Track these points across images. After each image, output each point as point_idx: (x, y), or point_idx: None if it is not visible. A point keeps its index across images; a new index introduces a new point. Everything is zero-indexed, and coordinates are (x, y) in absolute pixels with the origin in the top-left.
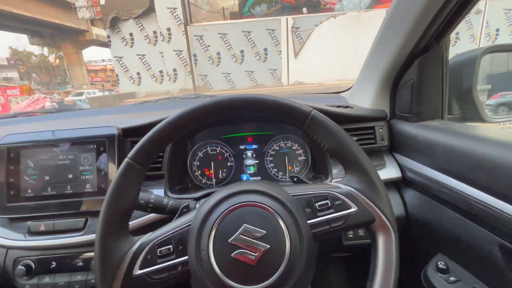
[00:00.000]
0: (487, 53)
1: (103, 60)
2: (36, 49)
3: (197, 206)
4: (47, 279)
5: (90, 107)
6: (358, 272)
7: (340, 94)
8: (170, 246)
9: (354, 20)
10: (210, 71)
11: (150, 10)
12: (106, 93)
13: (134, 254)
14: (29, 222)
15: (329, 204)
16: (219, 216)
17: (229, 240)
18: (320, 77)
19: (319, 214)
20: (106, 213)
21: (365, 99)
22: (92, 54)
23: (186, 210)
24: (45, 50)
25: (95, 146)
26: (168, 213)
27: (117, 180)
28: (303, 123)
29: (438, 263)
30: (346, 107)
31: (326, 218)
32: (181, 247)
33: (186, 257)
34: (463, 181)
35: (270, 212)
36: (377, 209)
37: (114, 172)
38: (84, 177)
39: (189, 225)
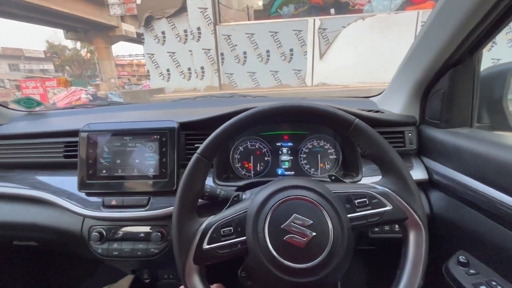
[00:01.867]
0: None
1: (130, 55)
2: (70, 43)
3: (244, 196)
4: (115, 245)
5: (123, 100)
6: (381, 265)
7: (370, 98)
8: (231, 228)
9: (383, 22)
10: (236, 69)
11: (182, 9)
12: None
13: (203, 233)
14: (103, 198)
15: (367, 202)
16: (273, 206)
17: (281, 226)
18: (345, 79)
19: (357, 210)
20: (180, 199)
21: (396, 105)
22: (119, 49)
23: (236, 199)
24: (78, 44)
25: (158, 137)
26: (220, 202)
27: (189, 172)
28: (347, 129)
29: (460, 257)
30: (377, 111)
31: (364, 214)
32: (239, 229)
33: (244, 237)
34: (489, 184)
35: (317, 205)
36: (410, 208)
37: (173, 159)
38: (148, 162)
39: (246, 211)
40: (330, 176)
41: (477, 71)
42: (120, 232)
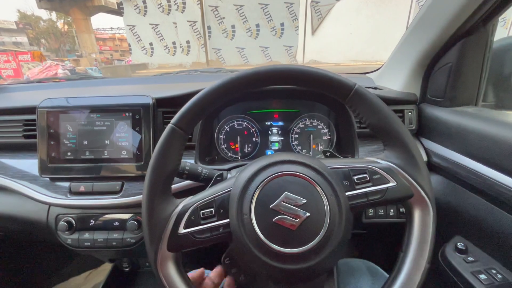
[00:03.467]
0: None
1: (111, 28)
2: (44, 14)
3: (229, 175)
4: (86, 235)
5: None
6: (371, 249)
7: (367, 75)
8: (212, 209)
9: None
10: (224, 45)
11: None
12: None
13: (179, 215)
14: (69, 183)
15: (368, 178)
16: (260, 183)
17: (270, 206)
18: (337, 56)
19: (357, 187)
20: (152, 176)
21: (395, 82)
22: (100, 22)
23: (220, 178)
24: (54, 15)
25: (130, 114)
26: (202, 181)
27: (162, 144)
28: (345, 96)
29: (458, 244)
30: (375, 88)
31: (364, 191)
32: (222, 210)
33: (227, 220)
34: (496, 168)
35: (311, 182)
36: (416, 184)
37: (148, 140)
38: (120, 144)
39: (229, 190)
40: (325, 153)
41: (489, 43)
42: (91, 221)
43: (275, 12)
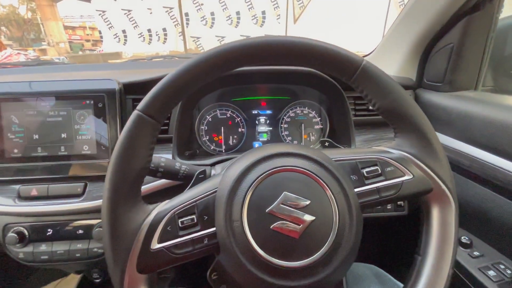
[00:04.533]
0: None
1: (81, 16)
2: None
3: (213, 172)
4: (43, 247)
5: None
6: (368, 243)
7: None
8: (194, 216)
9: None
10: (203, 33)
11: None
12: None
13: (151, 226)
14: (18, 186)
15: (379, 171)
16: (253, 182)
17: (267, 210)
18: None
19: (367, 182)
20: (115, 176)
21: (389, 66)
22: (68, 9)
23: (202, 176)
24: (14, 0)
25: (92, 102)
26: (181, 180)
27: (126, 137)
28: (351, 75)
29: (462, 237)
30: None
31: (376, 187)
32: (206, 217)
33: (213, 229)
34: (503, 156)
35: (314, 178)
36: (436, 177)
37: (115, 132)
38: (80, 137)
39: (215, 192)
40: (323, 142)
41: (495, 20)
42: (49, 230)
43: (256, 0)
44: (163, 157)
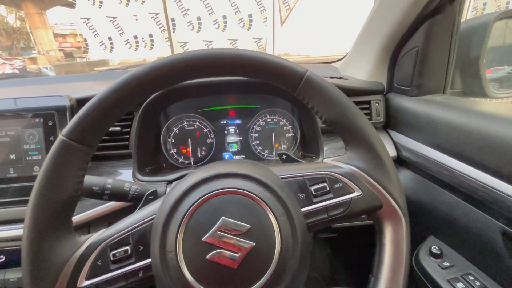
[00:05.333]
0: (500, 18)
1: (71, 23)
2: None
3: (168, 190)
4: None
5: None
6: (342, 252)
7: (332, 64)
8: (128, 247)
9: None
10: (190, 38)
11: None
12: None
13: (79, 260)
14: None
15: (327, 188)
16: (190, 208)
17: (203, 239)
18: (307, 48)
19: (315, 200)
20: (36, 208)
21: (360, 70)
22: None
23: (152, 197)
24: (2, 10)
25: (41, 120)
26: (132, 201)
27: (48, 164)
28: (295, 86)
29: (432, 247)
30: (340, 78)
31: (324, 205)
32: (142, 247)
33: (149, 260)
34: (468, 162)
35: (255, 200)
36: (385, 192)
37: None
38: (30, 158)
39: (153, 219)
40: (280, 155)
41: (457, 22)
42: (1, 257)
43: (242, 3)
44: (109, 178)
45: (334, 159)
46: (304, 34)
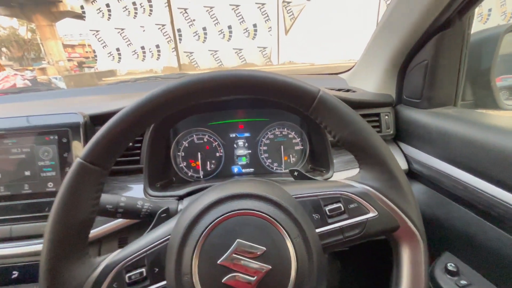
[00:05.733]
0: (510, 31)
1: (80, 34)
2: (4, 21)
3: (180, 207)
4: None
5: (66, 87)
6: (352, 266)
7: (339, 75)
8: (143, 270)
9: None
10: (196, 48)
11: None
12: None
13: (96, 283)
14: None
15: (342, 208)
16: (205, 230)
17: (218, 262)
18: (312, 57)
19: (330, 220)
20: (55, 231)
21: (368, 82)
22: (68, 28)
23: (165, 215)
24: (15, 22)
25: (56, 137)
26: (144, 219)
27: (67, 187)
28: (308, 106)
29: (448, 264)
30: (348, 90)
31: (339, 226)
32: (157, 269)
33: (164, 283)
34: (484, 178)
35: (270, 222)
36: (401, 213)
37: None
38: (45, 174)
39: (168, 239)
40: (292, 172)
41: (467, 36)
42: (14, 273)
43: (247, 13)
44: (124, 196)
45: (348, 178)
46: (308, 42)
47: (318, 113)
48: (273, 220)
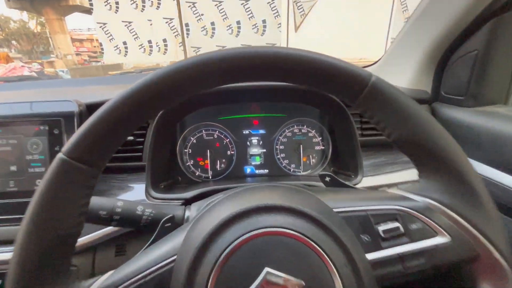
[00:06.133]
0: None
1: (88, 29)
2: (14, 14)
3: (188, 214)
4: None
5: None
6: None
7: (364, 69)
8: None
9: None
10: (204, 43)
11: None
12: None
13: None
14: None
15: (401, 229)
16: (222, 253)
17: None
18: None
19: (384, 245)
20: (25, 250)
21: (399, 76)
22: (76, 22)
23: (169, 225)
24: (25, 15)
25: (46, 128)
26: (144, 228)
27: (45, 191)
28: (355, 95)
29: None
30: None
31: (398, 254)
32: None
33: None
34: None
35: (309, 245)
36: (483, 239)
37: None
38: (33, 170)
39: (174, 261)
40: (323, 177)
41: None
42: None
43: (256, 9)
44: (120, 200)
45: (402, 188)
46: (319, 40)
47: (369, 104)
48: (313, 243)
